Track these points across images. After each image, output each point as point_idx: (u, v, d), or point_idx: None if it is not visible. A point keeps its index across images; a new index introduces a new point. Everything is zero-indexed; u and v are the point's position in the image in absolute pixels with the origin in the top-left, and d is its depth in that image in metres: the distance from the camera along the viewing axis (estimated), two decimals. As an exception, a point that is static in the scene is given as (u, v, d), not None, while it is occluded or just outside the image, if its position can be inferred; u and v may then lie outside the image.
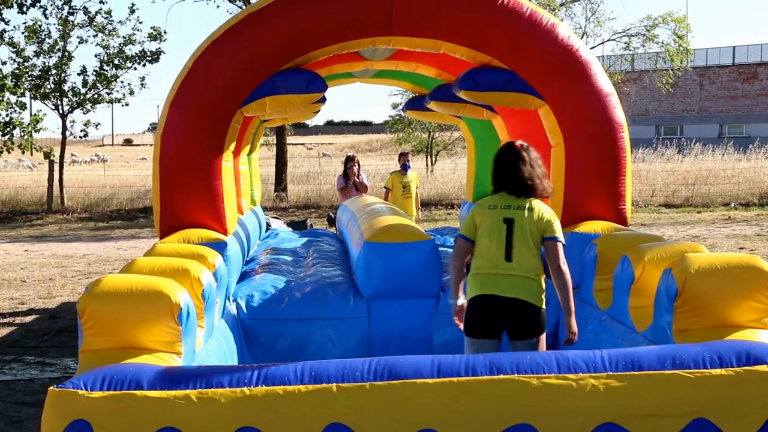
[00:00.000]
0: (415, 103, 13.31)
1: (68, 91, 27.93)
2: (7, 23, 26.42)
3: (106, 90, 28.37)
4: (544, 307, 5.86)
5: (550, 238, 5.83)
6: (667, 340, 5.57)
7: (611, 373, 4.63)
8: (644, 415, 4.56)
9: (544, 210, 5.90)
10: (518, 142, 6.04)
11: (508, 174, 5.90)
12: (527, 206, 5.86)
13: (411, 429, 4.49)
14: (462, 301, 5.91)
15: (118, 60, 28.01)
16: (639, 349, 4.91)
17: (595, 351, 4.82)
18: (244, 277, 8.73)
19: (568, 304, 5.84)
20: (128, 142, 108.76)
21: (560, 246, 5.85)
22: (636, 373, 4.64)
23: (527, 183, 5.86)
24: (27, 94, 27.26)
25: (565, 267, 5.80)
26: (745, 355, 4.72)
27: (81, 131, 28.76)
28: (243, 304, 7.86)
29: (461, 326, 5.88)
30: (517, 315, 5.74)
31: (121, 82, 28.62)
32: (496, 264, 5.75)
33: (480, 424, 4.51)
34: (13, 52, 27.29)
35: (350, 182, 13.72)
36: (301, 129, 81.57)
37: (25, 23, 27.04)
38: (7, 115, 22.48)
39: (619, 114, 8.30)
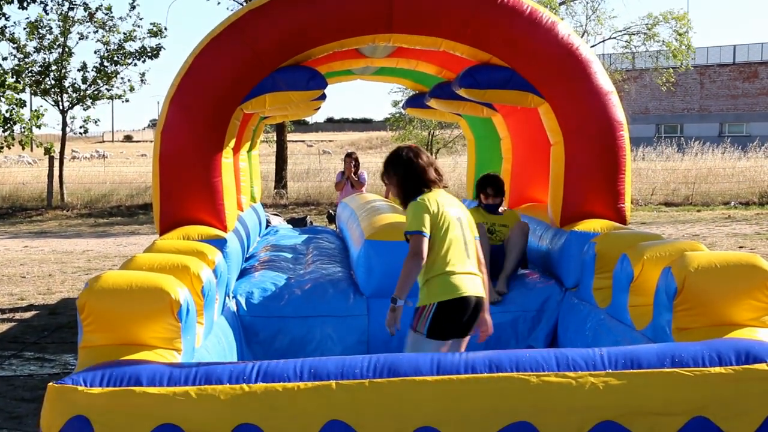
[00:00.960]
0: (416, 101, 13.31)
1: (68, 87, 27.94)
2: (7, 19, 26.45)
3: (106, 86, 28.37)
4: None
5: (475, 237, 5.86)
6: (667, 339, 5.57)
7: (610, 371, 4.63)
8: (643, 413, 4.56)
9: (466, 209, 5.98)
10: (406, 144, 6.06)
11: (424, 169, 5.82)
12: (460, 203, 5.91)
13: (410, 426, 4.49)
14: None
15: (118, 56, 28.00)
16: (638, 348, 4.91)
17: (595, 349, 4.82)
18: (243, 274, 8.73)
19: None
20: (128, 138, 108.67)
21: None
22: (635, 371, 4.64)
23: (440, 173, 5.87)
24: (27, 90, 27.26)
25: None
26: (744, 354, 4.72)
27: (81, 127, 28.76)
28: (243, 301, 7.86)
29: (394, 330, 5.73)
30: (476, 313, 5.67)
31: (121, 78, 28.64)
32: (463, 263, 5.64)
33: (479, 422, 4.51)
34: (13, 47, 27.30)
35: (345, 177, 13.72)
36: (302, 126, 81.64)
37: (27, 18, 27.08)
38: (7, 111, 22.49)
39: (618, 112, 8.30)
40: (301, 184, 30.53)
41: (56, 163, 28.18)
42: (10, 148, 23.82)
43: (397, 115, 39.38)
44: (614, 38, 35.68)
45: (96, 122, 29.63)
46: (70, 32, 27.82)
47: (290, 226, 14.67)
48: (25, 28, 26.97)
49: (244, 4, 25.58)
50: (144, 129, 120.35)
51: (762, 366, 4.66)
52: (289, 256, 9.94)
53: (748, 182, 28.76)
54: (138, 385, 4.54)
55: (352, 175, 13.72)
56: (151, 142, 8.66)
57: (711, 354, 4.72)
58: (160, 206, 8.18)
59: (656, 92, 52.89)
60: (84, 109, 28.56)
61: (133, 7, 28.45)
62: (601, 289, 7.21)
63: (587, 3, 34.92)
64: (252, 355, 7.63)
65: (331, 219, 17.68)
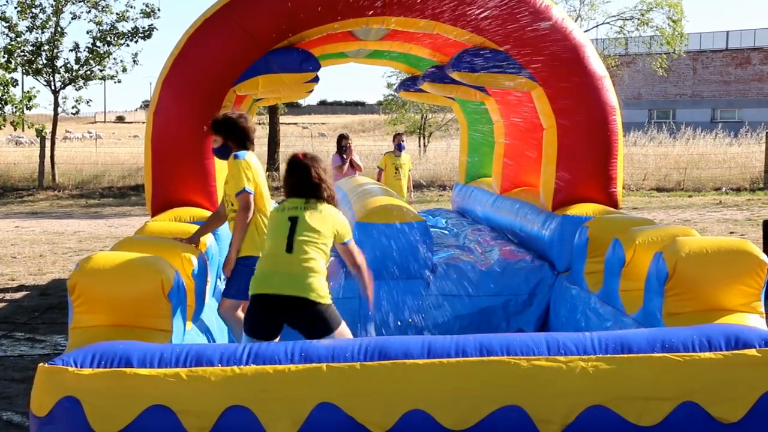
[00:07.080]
0: (409, 84, 13.28)
1: (61, 67, 27.81)
2: (-1, -2, 26.30)
3: (99, 67, 28.24)
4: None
5: None
6: (657, 324, 5.59)
7: (601, 355, 4.64)
8: (633, 397, 4.57)
9: None
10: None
11: None
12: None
13: (400, 409, 4.49)
14: None
15: (111, 37, 27.86)
16: (628, 332, 4.91)
17: (585, 333, 4.82)
18: (235, 256, 8.70)
19: None
20: (120, 119, 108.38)
21: None
22: (625, 355, 4.64)
23: None
24: (19, 69, 27.11)
25: None
26: (734, 339, 4.73)
27: (73, 108, 28.66)
28: (234, 283, 7.83)
29: None
30: None
31: (114, 58, 28.50)
32: None
33: (469, 405, 4.51)
34: (5, 27, 27.14)
35: (347, 160, 13.63)
36: (294, 109, 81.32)
37: (18, -2, 26.91)
38: (-2, 91, 22.39)
39: (611, 97, 8.30)
40: (294, 167, 30.40)
41: (48, 144, 28.07)
42: (1, 128, 23.69)
43: (390, 98, 39.26)
44: (608, 23, 35.61)
45: (88, 103, 29.56)
46: (63, 12, 27.65)
47: (282, 209, 14.61)
48: (16, 8, 26.81)
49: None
50: (136, 110, 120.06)
51: (751, 351, 4.67)
52: (281, 238, 9.91)
53: (739, 168, 28.76)
54: (129, 366, 4.53)
55: (353, 156, 13.66)
56: (144, 123, 8.63)
57: (701, 339, 4.72)
58: (152, 187, 8.16)
59: (649, 78, 52.85)
60: (76, 90, 28.47)
61: (126, -13, 28.30)
62: (593, 273, 7.22)
63: (581, -12, 34.83)
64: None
65: (324, 202, 17.67)
